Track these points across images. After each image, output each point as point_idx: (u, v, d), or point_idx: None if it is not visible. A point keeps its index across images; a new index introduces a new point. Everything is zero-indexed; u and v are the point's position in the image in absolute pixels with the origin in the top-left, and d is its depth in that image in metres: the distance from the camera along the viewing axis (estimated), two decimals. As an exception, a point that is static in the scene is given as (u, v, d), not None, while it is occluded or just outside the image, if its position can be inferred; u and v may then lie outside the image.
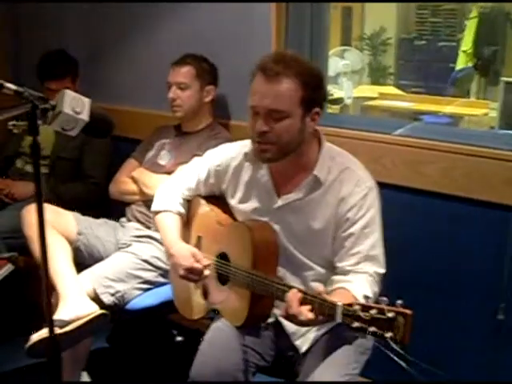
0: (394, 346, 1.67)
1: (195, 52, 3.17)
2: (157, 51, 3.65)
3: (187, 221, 2.59)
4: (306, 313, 1.86)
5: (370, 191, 2.19)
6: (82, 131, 1.77)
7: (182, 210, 2.57)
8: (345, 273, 2.14)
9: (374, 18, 9.97)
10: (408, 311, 1.68)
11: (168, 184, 2.64)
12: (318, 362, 2.15)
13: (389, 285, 2.11)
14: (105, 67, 3.94)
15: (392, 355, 1.70)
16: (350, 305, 1.77)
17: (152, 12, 3.62)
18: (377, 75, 9.61)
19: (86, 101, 1.76)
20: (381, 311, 1.70)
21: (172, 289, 2.71)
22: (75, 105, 1.72)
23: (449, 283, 2.79)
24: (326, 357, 2.15)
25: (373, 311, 1.71)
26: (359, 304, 1.75)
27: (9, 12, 4.37)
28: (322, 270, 2.26)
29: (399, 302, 1.70)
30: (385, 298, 1.72)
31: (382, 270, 2.15)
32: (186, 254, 2.36)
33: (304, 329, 2.23)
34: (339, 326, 1.89)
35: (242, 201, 2.38)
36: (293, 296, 1.91)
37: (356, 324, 1.74)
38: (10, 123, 1.64)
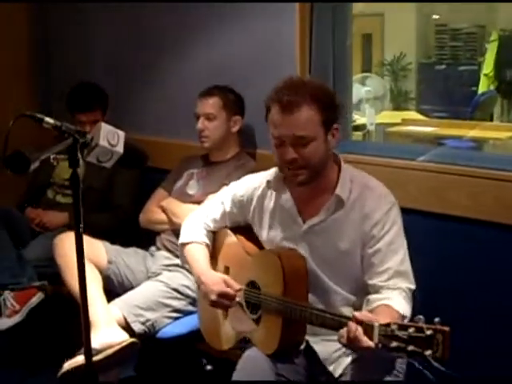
0: (435, 363, 1.69)
1: (221, 82, 3.22)
2: (184, 82, 3.69)
3: (213, 252, 2.61)
4: (366, 339, 1.85)
5: (392, 206, 2.22)
6: (118, 163, 1.82)
7: (208, 242, 2.59)
8: (378, 290, 2.16)
9: (394, 44, 10.00)
10: (446, 328, 1.70)
11: (193, 216, 2.67)
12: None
13: (415, 310, 2.12)
14: (133, 98, 3.98)
15: (425, 372, 1.71)
16: (388, 325, 1.78)
17: (178, 42, 3.68)
18: (398, 101, 9.62)
19: (121, 134, 1.80)
20: (419, 329, 1.71)
21: (200, 320, 2.73)
22: (111, 138, 1.77)
23: (477, 310, 2.77)
24: (361, 380, 2.15)
25: (411, 330, 1.72)
26: (396, 323, 1.77)
27: (39, 43, 4.45)
28: (349, 295, 2.27)
29: (437, 319, 1.71)
30: (421, 317, 1.74)
31: (413, 286, 2.18)
32: (217, 280, 2.39)
33: (337, 354, 2.25)
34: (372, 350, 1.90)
35: (269, 229, 2.40)
36: (355, 324, 1.90)
37: (394, 343, 1.75)
38: (52, 156, 1.70)
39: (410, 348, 1.71)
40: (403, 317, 2.03)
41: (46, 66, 4.47)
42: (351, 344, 1.89)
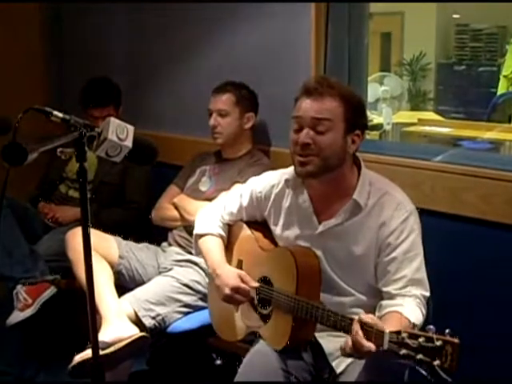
0: (442, 373, 1.69)
1: (235, 79, 3.22)
2: (198, 78, 3.70)
3: (228, 244, 2.63)
4: (370, 344, 1.86)
5: (410, 215, 2.21)
6: (127, 158, 1.82)
7: (223, 234, 2.60)
8: (392, 297, 2.16)
9: (414, 44, 9.96)
10: (456, 340, 1.70)
11: (210, 208, 2.69)
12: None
13: (428, 311, 2.11)
14: (146, 94, 4.00)
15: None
16: (398, 332, 1.78)
17: (193, 39, 3.69)
18: (416, 101, 9.59)
19: (130, 128, 1.80)
20: (429, 339, 1.72)
21: (210, 312, 2.73)
22: (120, 132, 1.76)
23: (489, 311, 2.76)
24: (360, 379, 2.14)
25: (421, 339, 1.73)
26: (407, 332, 1.77)
27: (54, 40, 4.47)
28: (361, 297, 2.27)
29: (447, 331, 1.72)
30: (431, 327, 1.74)
31: (428, 293, 2.18)
32: (233, 274, 2.40)
33: None
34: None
35: (284, 227, 2.41)
36: (358, 327, 1.91)
37: (403, 351, 1.75)
38: (59, 150, 1.70)
39: (419, 357, 1.72)
40: (414, 324, 2.01)
41: (59, 60, 4.50)
42: (353, 349, 1.90)
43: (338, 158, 2.20)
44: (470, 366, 1.98)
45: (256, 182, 2.54)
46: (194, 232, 2.66)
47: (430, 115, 7.47)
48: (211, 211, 2.66)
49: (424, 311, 2.13)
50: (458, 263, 2.80)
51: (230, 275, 2.41)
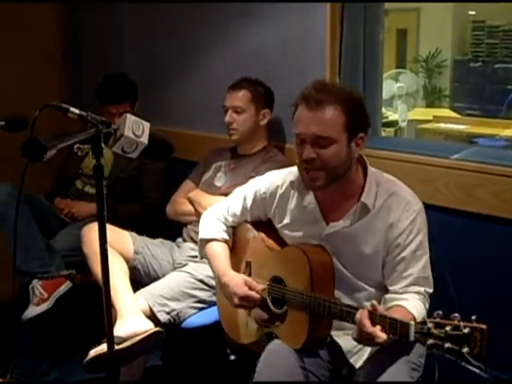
0: (473, 360, 1.71)
1: (251, 76, 3.23)
2: (213, 75, 3.70)
3: (234, 246, 2.63)
4: (379, 333, 1.89)
5: (418, 215, 2.22)
6: (143, 154, 1.83)
7: (228, 238, 2.61)
8: (397, 293, 2.18)
9: (429, 40, 9.92)
10: (484, 326, 1.72)
11: (213, 211, 2.68)
12: (371, 378, 2.17)
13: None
14: (162, 91, 4.00)
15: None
16: (424, 323, 1.80)
17: (208, 35, 3.69)
18: (432, 98, 9.55)
19: (146, 124, 1.81)
20: (456, 327, 1.73)
21: (219, 313, 2.75)
22: (136, 128, 1.77)
23: (503, 308, 2.75)
24: (380, 374, 2.15)
25: (447, 328, 1.74)
26: (432, 322, 1.78)
27: (71, 37, 4.50)
28: (374, 291, 2.28)
29: (473, 317, 1.74)
30: (456, 314, 1.76)
31: (431, 290, 2.21)
32: (239, 282, 2.41)
33: (359, 346, 2.25)
34: (393, 343, 1.93)
35: (290, 228, 2.41)
36: (363, 316, 1.94)
37: (430, 341, 1.77)
38: (75, 146, 1.71)
39: (447, 345, 1.74)
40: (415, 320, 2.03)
41: (77, 57, 4.52)
42: (362, 336, 1.93)
43: (345, 166, 2.20)
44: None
45: (260, 183, 2.53)
46: (199, 237, 2.66)
47: (446, 112, 7.46)
48: (214, 214, 2.65)
49: (427, 306, 2.16)
50: (471, 260, 2.80)
51: (236, 283, 2.41)
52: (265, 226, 2.53)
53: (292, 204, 2.39)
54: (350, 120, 2.15)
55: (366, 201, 2.22)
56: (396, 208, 2.21)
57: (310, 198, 2.33)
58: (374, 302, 1.98)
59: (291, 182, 2.36)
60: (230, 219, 2.61)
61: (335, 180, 2.20)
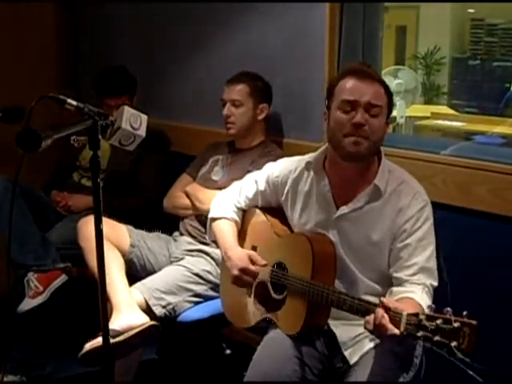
0: (460, 354, 1.71)
1: (249, 69, 3.22)
2: (211, 68, 3.70)
3: (241, 231, 2.64)
4: (392, 326, 1.87)
5: (426, 205, 2.25)
6: (140, 147, 1.82)
7: (237, 219, 2.63)
8: (402, 283, 2.18)
9: (428, 37, 9.91)
10: (474, 322, 1.73)
11: (225, 193, 2.71)
12: (364, 377, 2.17)
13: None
14: (160, 84, 4.01)
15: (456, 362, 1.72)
16: (416, 314, 1.81)
17: (207, 30, 3.69)
18: (430, 95, 9.54)
19: (144, 117, 1.81)
20: (447, 321, 1.74)
21: (222, 300, 2.75)
22: (133, 121, 1.77)
23: (499, 303, 2.76)
24: (374, 372, 2.16)
25: (438, 321, 1.75)
26: (424, 314, 1.79)
27: (69, 29, 4.49)
28: (373, 284, 2.29)
29: (465, 313, 1.74)
30: (448, 309, 1.76)
31: (436, 283, 2.21)
32: (243, 255, 2.44)
33: (355, 340, 2.28)
34: (390, 340, 1.94)
35: (301, 212, 2.42)
36: (382, 311, 1.92)
37: (421, 333, 1.78)
38: (72, 137, 1.70)
39: (436, 338, 1.75)
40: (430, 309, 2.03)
41: (74, 49, 4.52)
42: (377, 330, 1.92)
43: (380, 143, 2.27)
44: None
45: (273, 167, 2.56)
46: (209, 216, 2.68)
47: (444, 109, 7.46)
48: (227, 196, 2.68)
49: (431, 301, 2.14)
50: (469, 257, 2.80)
51: (240, 256, 2.45)
52: (274, 211, 2.55)
53: (306, 187, 2.40)
54: (390, 101, 2.24)
55: (378, 183, 2.25)
56: (406, 195, 2.25)
57: (323, 181, 2.34)
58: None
59: (307, 163, 2.38)
60: (242, 201, 2.63)
61: (371, 154, 2.25)
